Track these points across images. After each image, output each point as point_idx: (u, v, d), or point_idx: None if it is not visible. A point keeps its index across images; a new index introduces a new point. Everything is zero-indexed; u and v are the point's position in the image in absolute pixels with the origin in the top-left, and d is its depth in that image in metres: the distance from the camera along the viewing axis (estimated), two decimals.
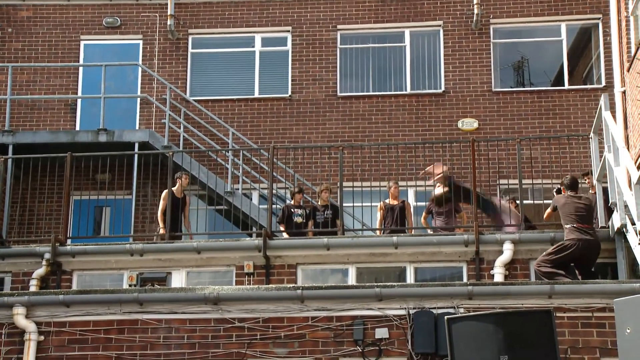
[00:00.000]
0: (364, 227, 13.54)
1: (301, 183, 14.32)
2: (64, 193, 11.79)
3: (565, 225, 10.14)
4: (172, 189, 12.21)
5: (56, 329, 9.39)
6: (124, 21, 16.73)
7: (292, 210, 12.33)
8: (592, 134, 11.49)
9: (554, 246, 10.16)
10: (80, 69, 16.47)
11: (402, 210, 12.32)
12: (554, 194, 10.95)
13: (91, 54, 16.70)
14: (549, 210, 10.69)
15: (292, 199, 12.67)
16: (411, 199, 14.91)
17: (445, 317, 5.93)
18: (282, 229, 12.27)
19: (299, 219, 12.24)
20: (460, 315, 7.32)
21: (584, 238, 9.98)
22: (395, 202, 12.49)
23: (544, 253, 10.18)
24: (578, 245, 9.96)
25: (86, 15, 16.76)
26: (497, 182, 14.51)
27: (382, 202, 12.56)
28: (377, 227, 12.45)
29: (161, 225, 12.22)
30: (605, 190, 10.85)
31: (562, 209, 10.23)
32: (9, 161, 13.45)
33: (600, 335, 8.60)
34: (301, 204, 12.61)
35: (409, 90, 16.24)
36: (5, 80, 16.09)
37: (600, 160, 11.00)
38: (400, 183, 12.81)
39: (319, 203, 12.56)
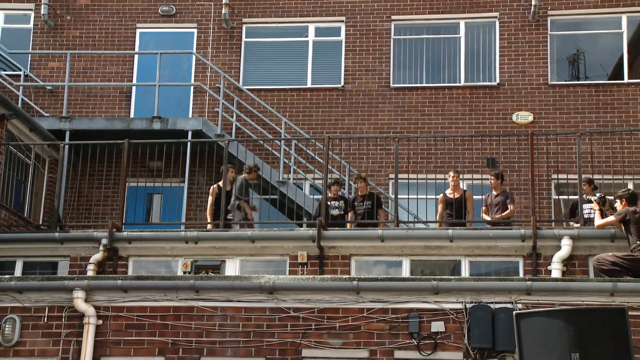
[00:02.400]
0: (417, 220, 13.45)
1: (338, 177, 14.11)
2: (121, 179, 11.89)
3: (638, 242, 9.84)
4: (219, 183, 12.25)
5: (114, 314, 9.52)
6: (179, 9, 16.82)
7: (329, 202, 12.20)
8: None
9: (623, 253, 9.90)
10: (136, 56, 16.62)
11: (462, 202, 12.14)
12: (593, 200, 10.58)
13: (146, 42, 16.83)
14: (612, 219, 10.29)
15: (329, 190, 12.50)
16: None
17: (514, 312, 5.85)
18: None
19: (335, 212, 12.14)
20: (529, 310, 7.19)
21: None
22: (455, 194, 12.33)
23: (610, 253, 9.95)
24: None
25: (142, 4, 16.89)
26: (549, 177, 14.34)
27: (442, 195, 12.43)
28: (437, 219, 12.30)
29: (209, 219, 12.30)
30: None
31: (635, 224, 9.93)
32: (66, 147, 13.60)
33: None
34: (339, 195, 12.48)
35: (463, 83, 16.08)
36: (63, 67, 16.31)
37: None
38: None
39: (358, 193, 12.41)
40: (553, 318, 5.56)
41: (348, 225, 12.07)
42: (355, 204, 12.30)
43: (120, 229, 11.51)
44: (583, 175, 11.56)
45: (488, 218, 12.33)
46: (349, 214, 12.29)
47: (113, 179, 13.57)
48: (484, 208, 12.58)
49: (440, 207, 12.37)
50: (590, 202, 11.11)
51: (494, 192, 12.55)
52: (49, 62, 16.72)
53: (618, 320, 5.55)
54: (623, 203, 10.25)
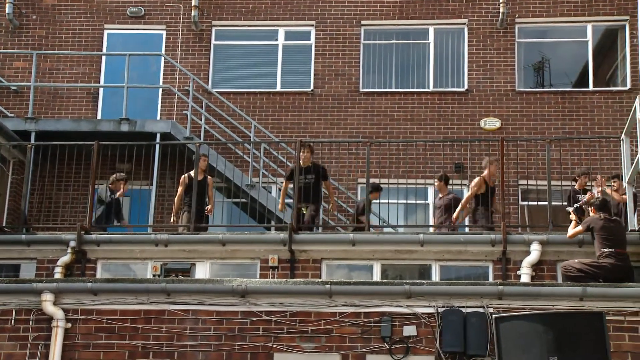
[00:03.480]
0: (385, 224, 13.51)
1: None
2: (91, 181, 11.75)
3: (603, 250, 9.98)
4: (191, 173, 12.16)
5: (83, 317, 9.37)
6: (148, 11, 16.71)
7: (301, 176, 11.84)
8: (623, 136, 11.41)
9: (589, 260, 10.05)
10: (103, 58, 16.47)
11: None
12: (572, 212, 10.75)
13: (114, 43, 16.69)
14: (578, 229, 10.40)
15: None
16: (431, 198, 14.89)
17: (494, 316, 5.88)
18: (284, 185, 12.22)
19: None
20: (508, 314, 7.25)
21: (619, 265, 9.87)
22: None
23: (576, 260, 10.09)
24: (612, 270, 9.84)
25: (110, 4, 16.74)
26: (517, 182, 14.50)
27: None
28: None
29: (174, 211, 12.19)
30: (635, 194, 10.75)
31: (599, 231, 10.09)
32: (32, 148, 13.40)
33: (632, 339, 8.45)
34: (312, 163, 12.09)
35: (431, 88, 16.21)
36: (28, 67, 16.10)
37: (632, 163, 10.92)
38: (420, 181, 12.77)
39: (300, 164, 11.98)
40: (532, 322, 5.61)
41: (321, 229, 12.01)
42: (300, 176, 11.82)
43: (89, 231, 11.36)
44: (581, 168, 11.68)
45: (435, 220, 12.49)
46: (287, 183, 11.97)
47: (81, 181, 13.40)
48: (431, 212, 12.66)
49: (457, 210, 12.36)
50: (585, 193, 11.20)
51: (440, 195, 12.67)
52: (14, 62, 16.49)
53: (596, 324, 5.62)
54: (592, 211, 10.40)
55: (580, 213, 10.60)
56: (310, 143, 12.24)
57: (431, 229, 12.31)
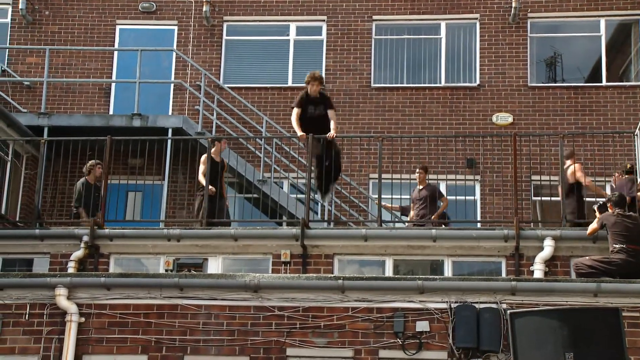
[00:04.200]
0: (396, 220, 13.50)
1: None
2: (104, 177, 11.77)
3: (615, 245, 9.94)
4: (211, 152, 12.07)
5: (97, 311, 9.42)
6: (160, 6, 16.71)
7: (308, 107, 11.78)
8: (637, 131, 11.34)
9: (601, 256, 10.01)
10: (115, 53, 16.48)
11: (433, 198, 12.23)
12: (596, 209, 10.69)
13: (126, 39, 16.71)
14: (594, 226, 10.35)
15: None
16: (443, 192, 14.84)
17: (509, 311, 5.85)
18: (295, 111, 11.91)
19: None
20: (523, 310, 7.21)
21: (632, 261, 9.83)
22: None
23: (588, 257, 10.05)
24: (625, 267, 9.80)
25: (122, 0, 16.74)
26: (530, 178, 14.45)
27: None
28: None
29: (203, 183, 12.03)
30: None
31: (612, 228, 10.05)
32: (45, 143, 13.45)
33: None
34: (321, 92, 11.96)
35: (443, 83, 16.16)
36: (41, 62, 16.13)
37: None
38: (432, 176, 12.74)
39: (309, 95, 11.89)
40: (547, 317, 5.58)
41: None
42: (309, 106, 11.72)
43: (103, 226, 11.39)
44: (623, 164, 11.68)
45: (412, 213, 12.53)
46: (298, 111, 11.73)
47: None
48: (411, 205, 12.74)
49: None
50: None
51: (419, 187, 12.65)
52: (27, 58, 16.53)
53: (611, 320, 5.59)
54: (610, 207, 10.36)
55: (604, 210, 10.53)
56: (317, 75, 11.90)
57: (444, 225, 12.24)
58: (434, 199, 12.36)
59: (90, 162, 12.59)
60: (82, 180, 12.58)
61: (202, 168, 12.25)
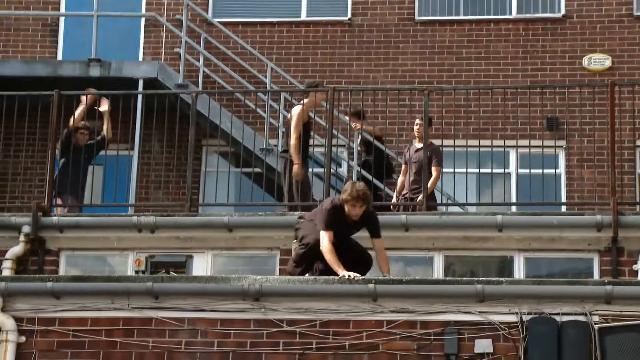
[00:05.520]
0: (451, 202, 13.54)
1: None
2: (49, 146, 11.89)
3: None
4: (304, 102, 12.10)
5: (42, 328, 9.50)
6: None
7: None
8: None
9: None
10: None
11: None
12: None
13: None
14: None
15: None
16: (513, 165, 14.85)
17: (597, 326, 5.88)
18: None
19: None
20: (616, 324, 7.19)
21: None
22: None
23: None
24: None
25: None
26: (634, 143, 14.45)
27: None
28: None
29: (296, 159, 12.01)
30: None
31: None
32: None
33: None
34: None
35: (515, 15, 16.14)
36: None
37: None
38: (499, 142, 12.73)
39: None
40: None
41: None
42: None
43: (48, 212, 11.50)
44: None
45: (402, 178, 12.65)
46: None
47: (37, 145, 13.54)
48: (403, 167, 12.90)
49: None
50: None
51: (417, 144, 12.67)
52: None
53: None
54: None
55: None
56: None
57: (514, 208, 12.32)
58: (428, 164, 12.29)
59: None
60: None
61: (297, 130, 12.18)
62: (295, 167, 12.01)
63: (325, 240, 9.79)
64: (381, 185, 13.27)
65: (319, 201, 11.23)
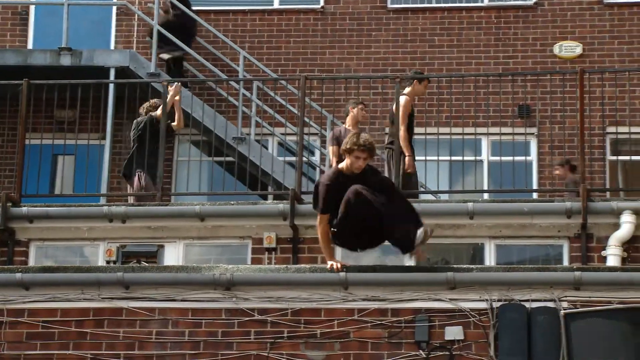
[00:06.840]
0: (422, 190, 13.56)
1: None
2: (19, 135, 11.83)
3: None
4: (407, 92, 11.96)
5: (11, 319, 9.47)
6: None
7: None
8: None
9: None
10: None
11: None
12: None
13: None
14: None
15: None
16: (484, 152, 14.90)
17: (562, 311, 5.91)
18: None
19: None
20: (582, 310, 7.22)
21: None
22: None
23: None
24: None
25: None
26: (604, 130, 14.49)
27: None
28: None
29: (407, 151, 11.89)
30: None
31: None
32: None
33: None
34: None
35: (486, 2, 16.20)
36: None
37: None
38: (470, 130, 12.72)
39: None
40: (614, 319, 5.63)
41: None
42: None
43: (18, 202, 11.44)
44: None
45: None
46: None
47: (6, 135, 13.51)
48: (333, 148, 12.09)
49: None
50: None
51: (349, 127, 12.20)
52: None
53: None
54: None
55: None
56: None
57: (485, 196, 12.34)
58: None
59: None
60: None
61: (404, 122, 11.99)
62: (408, 160, 12.00)
63: (319, 224, 9.42)
64: None
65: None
